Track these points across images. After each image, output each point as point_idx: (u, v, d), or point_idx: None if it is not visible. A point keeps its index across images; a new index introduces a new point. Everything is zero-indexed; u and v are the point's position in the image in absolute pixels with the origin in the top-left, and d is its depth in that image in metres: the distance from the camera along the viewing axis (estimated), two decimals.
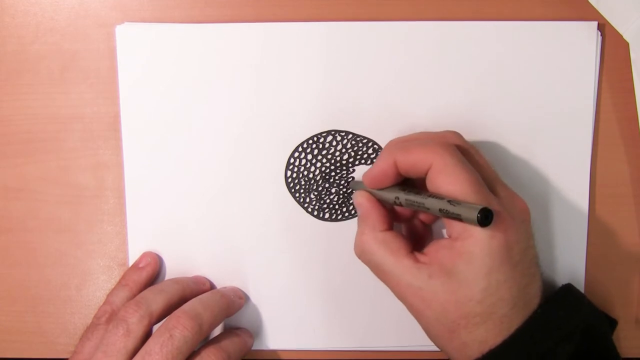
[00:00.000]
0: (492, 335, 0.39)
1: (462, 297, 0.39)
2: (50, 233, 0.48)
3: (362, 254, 0.43)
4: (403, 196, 0.41)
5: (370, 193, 0.44)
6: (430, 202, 0.39)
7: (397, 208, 0.44)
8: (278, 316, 0.48)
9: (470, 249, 0.39)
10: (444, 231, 0.47)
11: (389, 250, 0.41)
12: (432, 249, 0.41)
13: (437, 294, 0.39)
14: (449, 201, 0.38)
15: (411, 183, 0.43)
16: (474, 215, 0.36)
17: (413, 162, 0.41)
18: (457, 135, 0.43)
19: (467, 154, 0.42)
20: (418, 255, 0.41)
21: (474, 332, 0.39)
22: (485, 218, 0.36)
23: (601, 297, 0.47)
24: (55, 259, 0.49)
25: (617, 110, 0.47)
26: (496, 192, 0.41)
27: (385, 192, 0.43)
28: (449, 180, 0.39)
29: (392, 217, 0.44)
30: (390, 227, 0.43)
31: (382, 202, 0.43)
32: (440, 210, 0.38)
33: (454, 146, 0.41)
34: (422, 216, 0.45)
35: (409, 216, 0.45)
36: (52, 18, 0.47)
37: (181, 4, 0.47)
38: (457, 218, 0.38)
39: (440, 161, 0.40)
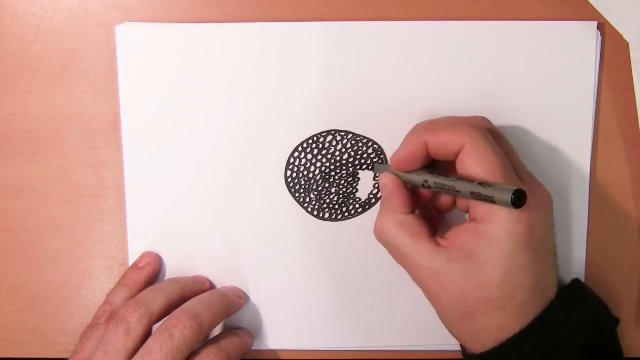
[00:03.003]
0: (509, 322, 0.39)
1: (482, 281, 0.39)
2: (50, 232, 0.48)
3: (382, 235, 0.43)
4: (432, 179, 0.41)
5: (397, 176, 0.44)
6: (460, 185, 0.39)
7: (417, 193, 0.44)
8: (278, 316, 0.48)
9: (494, 232, 0.39)
10: (461, 220, 0.47)
11: (409, 233, 0.41)
12: (453, 232, 0.41)
13: (456, 277, 0.39)
14: (479, 184, 0.38)
15: (435, 167, 0.43)
16: (508, 196, 0.36)
17: (444, 143, 0.41)
18: (485, 119, 0.43)
19: (496, 138, 0.42)
20: (438, 239, 0.41)
21: (491, 318, 0.39)
22: (518, 200, 0.36)
23: (601, 296, 0.47)
24: (55, 258, 0.49)
25: (617, 110, 0.47)
26: (521, 178, 0.41)
27: (413, 174, 0.43)
28: (479, 162, 0.39)
29: (415, 202, 0.44)
30: (412, 211, 0.43)
31: (406, 186, 0.43)
32: (471, 193, 0.38)
33: (485, 129, 0.41)
34: (440, 204, 0.45)
35: (425, 203, 0.45)
36: (52, 18, 0.47)
37: (181, 3, 0.47)
38: (490, 200, 0.38)
39: (471, 143, 0.40)
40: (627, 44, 0.46)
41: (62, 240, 0.48)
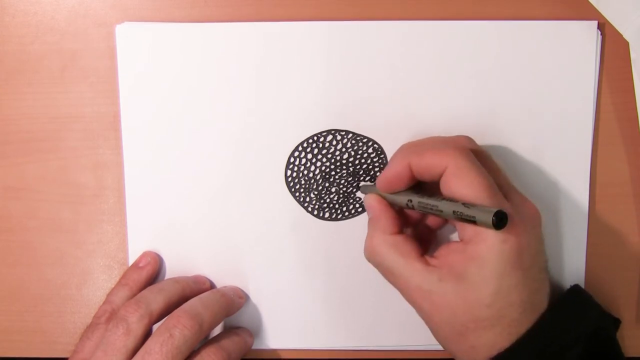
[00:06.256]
0: (500, 340, 0.39)
1: (472, 301, 0.39)
2: (50, 232, 0.48)
3: (372, 256, 0.43)
4: (416, 199, 0.41)
5: (382, 196, 0.44)
6: (444, 205, 0.39)
7: (406, 212, 0.44)
8: (278, 315, 0.48)
9: (482, 253, 0.39)
10: (453, 236, 0.47)
11: (399, 253, 0.41)
12: (442, 252, 0.41)
13: (447, 297, 0.39)
14: (463, 204, 0.38)
15: (422, 188, 0.43)
16: (489, 218, 0.36)
17: (428, 165, 0.41)
18: (470, 139, 0.43)
19: (481, 158, 0.42)
20: (428, 258, 0.41)
21: (483, 336, 0.39)
22: (499, 221, 0.36)
23: (601, 297, 0.47)
24: (55, 258, 0.49)
25: (617, 110, 0.47)
26: (508, 197, 0.41)
27: (397, 195, 0.43)
28: (463, 184, 0.39)
29: (403, 221, 0.44)
30: (400, 231, 0.43)
31: (392, 206, 0.44)
32: (454, 212, 0.38)
33: (469, 150, 0.41)
34: (430, 221, 0.45)
35: (416, 221, 0.45)
36: (52, 17, 0.47)
37: (181, 3, 0.47)
38: (471, 221, 0.38)
39: (454, 164, 0.40)
40: (627, 43, 0.46)
41: (62, 240, 0.48)
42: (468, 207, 0.38)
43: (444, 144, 0.42)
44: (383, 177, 0.43)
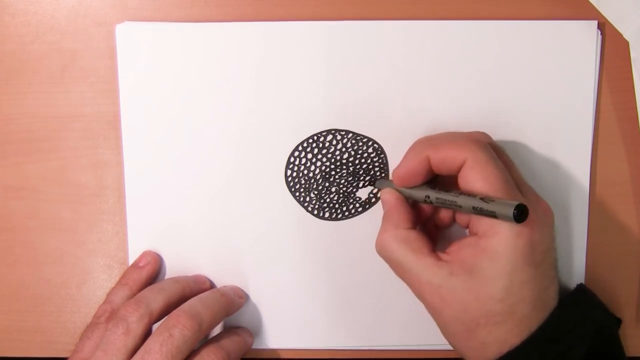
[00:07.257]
0: (511, 336, 0.39)
1: (483, 295, 0.39)
2: (50, 232, 0.48)
3: (383, 250, 0.43)
4: (434, 194, 0.41)
5: (399, 191, 0.44)
6: (462, 200, 0.39)
7: (418, 208, 0.44)
8: (278, 315, 0.48)
9: (495, 247, 0.39)
10: (460, 235, 0.47)
11: (411, 248, 0.41)
12: (454, 247, 0.41)
13: (458, 292, 0.39)
14: (481, 198, 0.38)
15: (436, 183, 0.43)
16: (510, 211, 0.37)
17: (446, 158, 0.41)
18: (486, 134, 0.44)
19: (497, 152, 0.42)
20: (440, 254, 0.41)
21: (494, 332, 0.39)
22: (520, 214, 0.37)
23: (602, 296, 0.47)
24: (56, 258, 0.49)
25: (617, 110, 0.47)
26: (523, 192, 0.41)
27: (414, 190, 0.43)
28: (481, 177, 0.39)
29: (416, 217, 0.44)
30: (413, 226, 0.43)
31: (407, 201, 0.44)
32: (473, 207, 0.39)
33: (487, 143, 0.41)
34: (441, 217, 0.45)
35: (426, 218, 0.45)
36: (52, 17, 0.47)
37: (181, 3, 0.47)
38: (491, 215, 0.38)
39: (473, 157, 0.40)
40: (627, 43, 0.46)
41: (62, 240, 0.48)
42: (487, 202, 0.38)
43: (461, 137, 0.42)
44: (400, 171, 0.43)
